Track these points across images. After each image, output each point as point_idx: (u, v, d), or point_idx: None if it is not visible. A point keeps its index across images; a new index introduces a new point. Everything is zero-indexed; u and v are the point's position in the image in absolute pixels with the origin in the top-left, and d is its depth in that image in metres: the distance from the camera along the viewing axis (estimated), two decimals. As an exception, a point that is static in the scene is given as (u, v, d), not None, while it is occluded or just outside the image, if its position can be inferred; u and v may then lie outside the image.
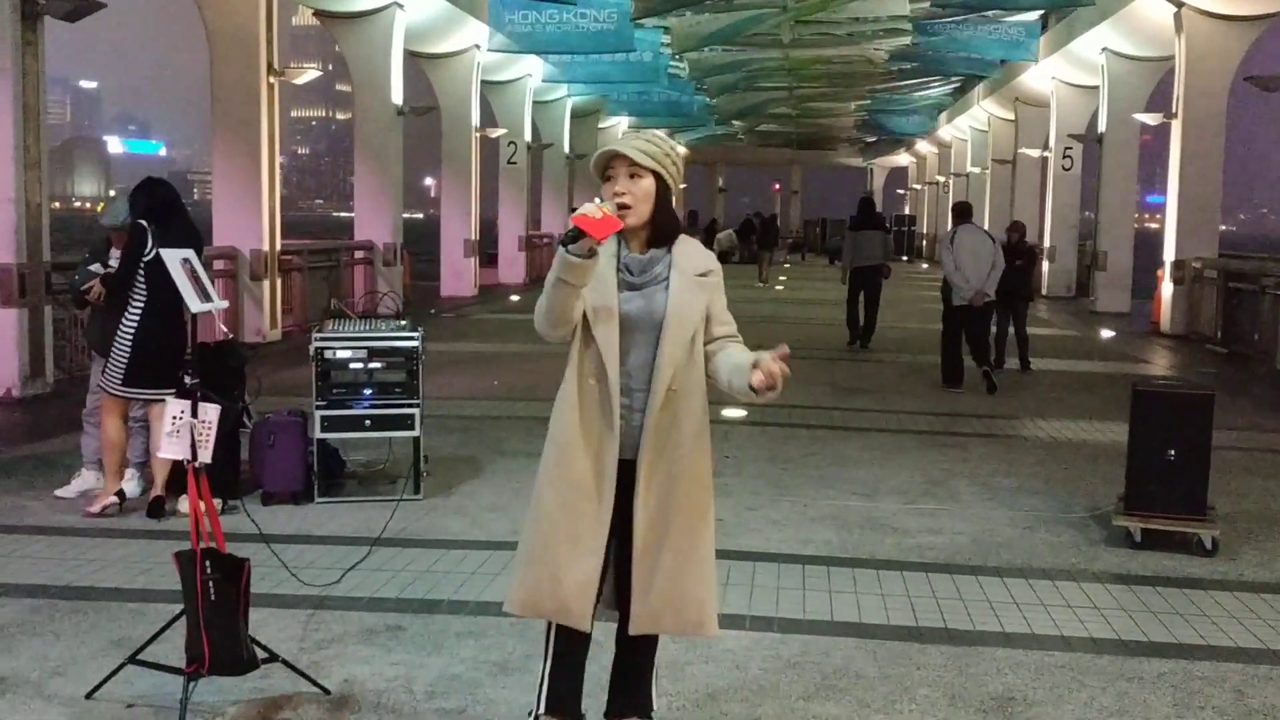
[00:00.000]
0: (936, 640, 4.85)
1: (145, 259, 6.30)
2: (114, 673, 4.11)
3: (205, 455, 4.19)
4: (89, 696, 4.08)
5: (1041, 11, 24.38)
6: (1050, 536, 6.50)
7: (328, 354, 6.85)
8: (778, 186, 71.44)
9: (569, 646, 3.52)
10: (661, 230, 3.43)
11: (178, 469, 6.24)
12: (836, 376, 12.62)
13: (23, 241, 10.51)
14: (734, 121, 42.14)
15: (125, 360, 6.34)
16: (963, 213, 12.34)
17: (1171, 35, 18.38)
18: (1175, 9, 17.83)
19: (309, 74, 17.73)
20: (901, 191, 68.40)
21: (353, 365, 6.86)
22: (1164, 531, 6.24)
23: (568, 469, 3.40)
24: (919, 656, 4.67)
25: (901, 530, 6.57)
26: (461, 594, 5.28)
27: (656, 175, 3.37)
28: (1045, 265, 25.27)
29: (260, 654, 4.06)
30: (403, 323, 7.17)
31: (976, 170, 38.00)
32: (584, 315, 3.37)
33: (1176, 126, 18.22)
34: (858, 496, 7.32)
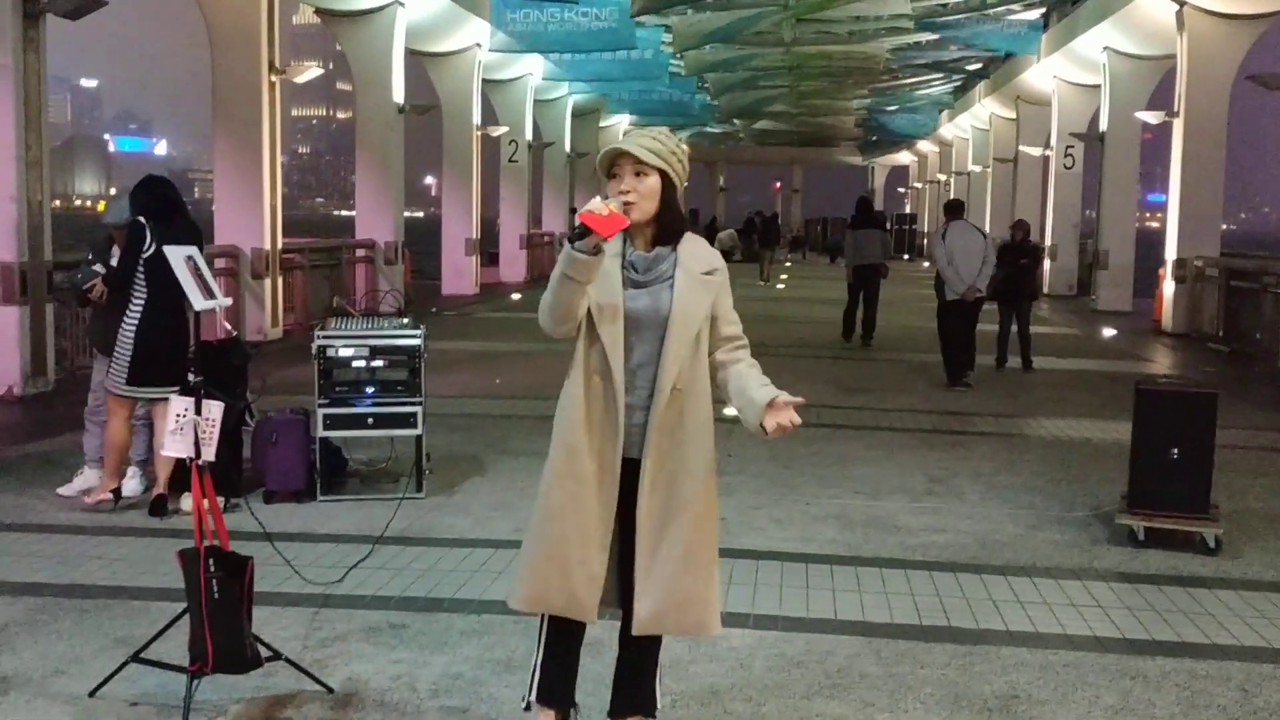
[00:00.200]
0: (940, 639, 4.84)
1: (144, 256, 6.30)
2: (117, 671, 4.11)
3: (209, 453, 4.19)
4: (92, 695, 4.08)
5: (1042, 11, 24.42)
6: (1054, 535, 6.49)
7: (330, 352, 6.84)
8: (778, 185, 71.43)
9: (563, 637, 3.54)
10: (667, 228, 3.42)
11: (180, 467, 6.23)
12: (839, 375, 12.62)
13: (24, 240, 10.50)
14: (735, 120, 42.15)
15: (128, 359, 6.34)
16: (954, 210, 12.54)
17: (1173, 34, 18.36)
18: (1177, 7, 17.82)
19: (310, 72, 17.74)
20: (902, 190, 68.38)
21: (355, 363, 6.86)
22: (1167, 530, 6.24)
23: (574, 466, 3.40)
24: (923, 655, 4.66)
25: (905, 529, 6.56)
26: (464, 592, 5.28)
27: (662, 173, 3.36)
28: (1047, 264, 25.26)
29: (264, 652, 4.05)
30: (405, 321, 7.16)
31: (978, 169, 37.98)
32: (589, 312, 3.36)
33: (1178, 125, 18.20)
34: (861, 495, 7.32)
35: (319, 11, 18.86)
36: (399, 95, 18.94)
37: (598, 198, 3.26)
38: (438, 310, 19.44)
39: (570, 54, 24.31)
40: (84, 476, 6.99)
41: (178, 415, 4.19)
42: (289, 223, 16.35)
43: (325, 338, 6.87)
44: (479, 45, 22.21)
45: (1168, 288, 18.34)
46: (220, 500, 5.34)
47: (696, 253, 3.47)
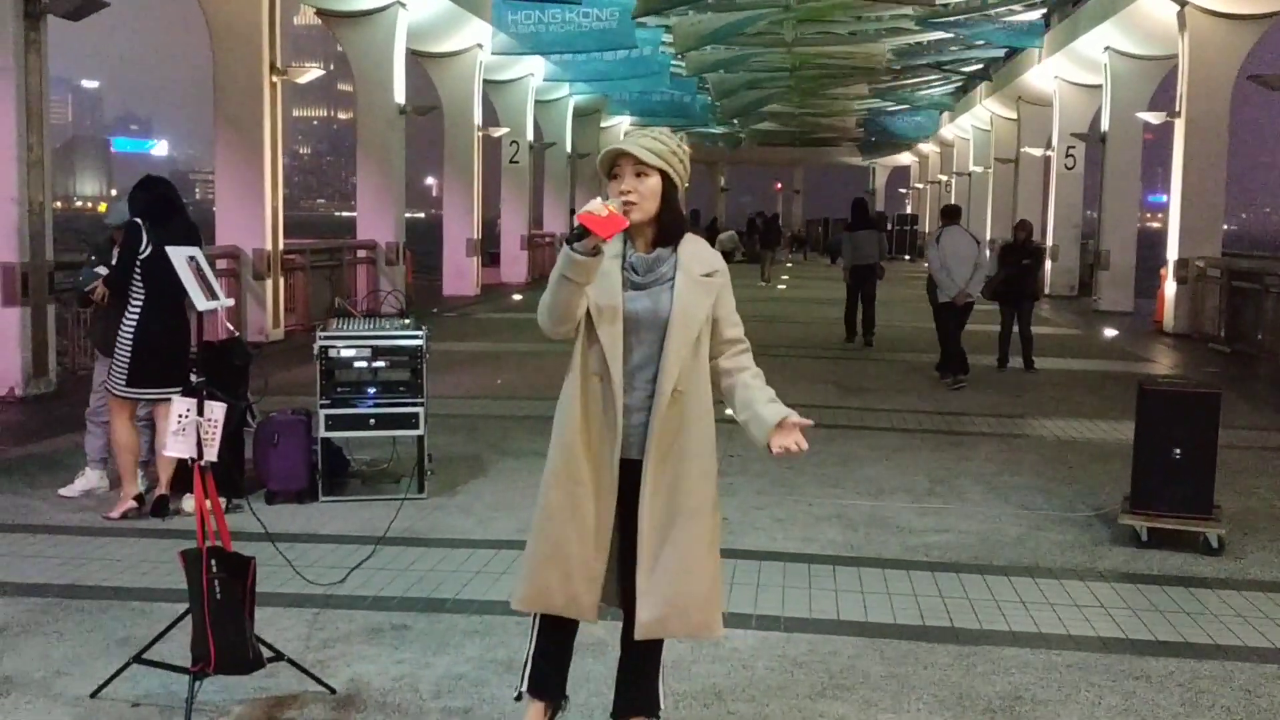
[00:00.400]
0: (943, 639, 4.84)
1: (141, 257, 6.29)
2: (119, 672, 4.11)
3: (211, 453, 4.19)
4: (94, 696, 4.07)
5: (1043, 11, 24.41)
6: (1056, 535, 6.49)
7: (332, 352, 6.84)
8: (779, 186, 71.43)
9: (556, 631, 3.54)
10: (668, 229, 3.41)
11: (182, 468, 6.24)
12: (840, 375, 12.62)
13: (25, 241, 10.51)
14: (736, 120, 42.14)
15: (128, 360, 6.33)
16: (950, 215, 12.66)
17: (1174, 34, 18.35)
18: (1178, 7, 17.81)
19: (311, 73, 17.73)
20: (903, 190, 68.37)
21: (357, 364, 6.85)
22: (1170, 530, 6.23)
23: (572, 466, 3.40)
24: (926, 656, 4.66)
25: (907, 529, 6.56)
26: (466, 593, 5.28)
27: (663, 174, 3.35)
28: (1048, 264, 25.26)
29: (266, 653, 4.05)
30: (407, 321, 7.16)
31: (979, 169, 37.97)
32: (588, 313, 3.36)
33: (1180, 125, 18.19)
34: (863, 495, 7.31)
35: (320, 12, 18.87)
36: (400, 96, 18.94)
37: (597, 198, 3.24)
38: (439, 311, 19.44)
39: (571, 55, 24.30)
40: (85, 477, 6.99)
41: (180, 416, 4.18)
42: (290, 223, 16.35)
43: (327, 338, 6.86)
44: (480, 46, 22.21)
45: (1169, 288, 18.33)
46: (222, 501, 5.35)
47: (697, 254, 3.46)
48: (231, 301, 5.51)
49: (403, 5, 18.25)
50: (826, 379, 12.17)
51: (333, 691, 4.15)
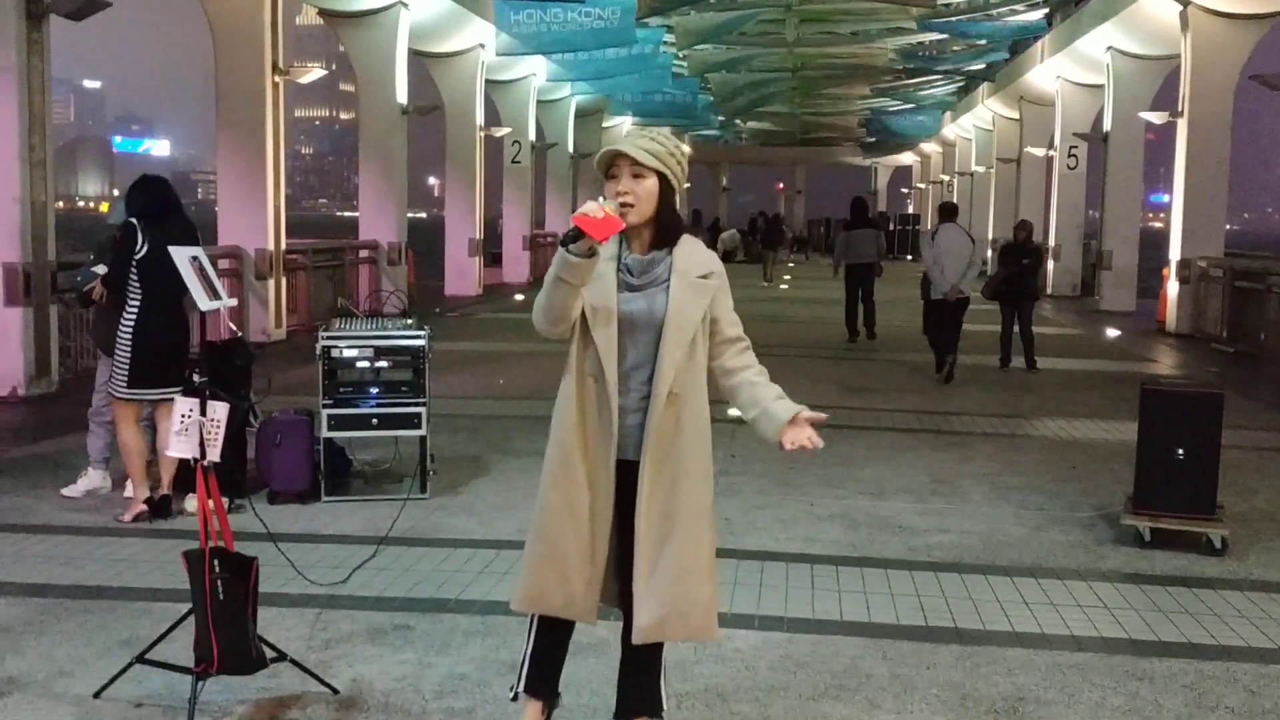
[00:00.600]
0: (946, 640, 4.83)
1: (137, 256, 6.29)
2: (122, 672, 4.11)
3: (214, 454, 4.19)
4: (97, 696, 4.07)
5: (1045, 11, 24.41)
6: (1059, 536, 6.48)
7: (334, 353, 6.84)
8: (781, 186, 71.41)
9: (552, 631, 3.55)
10: (664, 231, 3.41)
11: (185, 468, 6.24)
12: (842, 375, 12.62)
13: (28, 241, 10.51)
14: (737, 120, 42.17)
15: (128, 361, 6.32)
16: (947, 212, 12.74)
17: (1177, 34, 18.33)
18: (1181, 7, 17.79)
19: (313, 73, 17.72)
20: (905, 190, 68.33)
21: (359, 364, 6.85)
22: (1173, 531, 6.22)
23: (569, 468, 3.41)
24: (929, 656, 4.65)
25: (910, 529, 6.55)
26: (469, 593, 5.27)
27: (660, 175, 3.35)
28: (1050, 264, 25.24)
29: (269, 653, 4.05)
30: (409, 321, 7.16)
31: (981, 169, 37.92)
32: (583, 314, 3.36)
33: (1182, 125, 18.16)
34: (865, 495, 7.31)
35: (322, 12, 18.87)
36: (402, 96, 18.94)
37: (593, 200, 3.24)
38: (441, 311, 19.44)
39: (573, 54, 24.31)
40: (88, 477, 6.99)
41: (183, 416, 4.18)
42: (292, 223, 16.36)
43: (329, 338, 6.86)
44: (482, 46, 22.20)
45: (1172, 288, 18.31)
46: (225, 501, 5.35)
47: (692, 256, 3.45)
48: (235, 301, 5.50)
49: (405, 5, 18.25)
50: (829, 379, 12.17)
51: (335, 692, 4.15)
